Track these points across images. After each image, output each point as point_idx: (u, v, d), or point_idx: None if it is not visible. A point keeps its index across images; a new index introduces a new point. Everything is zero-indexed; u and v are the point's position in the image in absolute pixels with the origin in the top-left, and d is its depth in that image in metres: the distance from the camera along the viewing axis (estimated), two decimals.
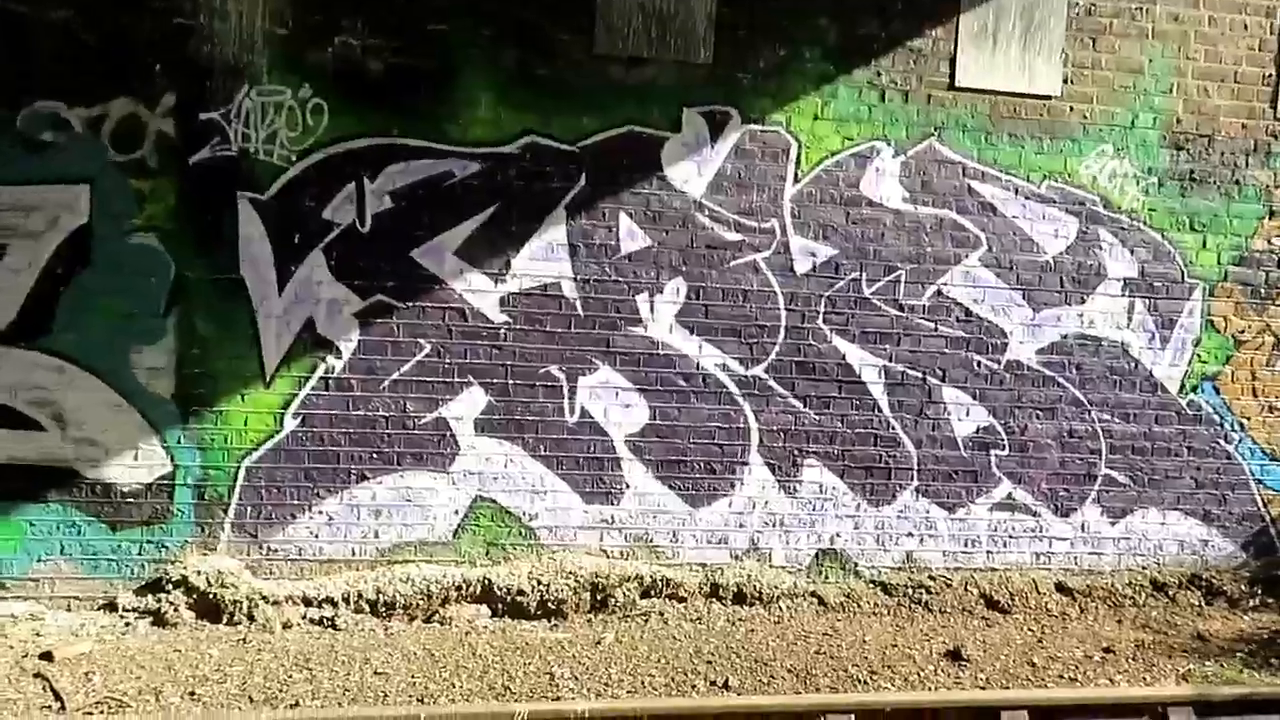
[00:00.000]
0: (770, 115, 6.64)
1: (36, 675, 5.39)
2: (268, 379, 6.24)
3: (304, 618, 6.12)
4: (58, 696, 5.17)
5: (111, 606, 6.11)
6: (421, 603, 6.25)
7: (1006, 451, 6.95)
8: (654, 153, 6.55)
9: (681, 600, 6.46)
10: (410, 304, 6.35)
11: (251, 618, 6.06)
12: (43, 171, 6.00)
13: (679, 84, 6.56)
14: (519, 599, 6.29)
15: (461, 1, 6.28)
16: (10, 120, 5.93)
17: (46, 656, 5.55)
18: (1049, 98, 6.86)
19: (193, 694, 5.28)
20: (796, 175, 6.66)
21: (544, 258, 6.46)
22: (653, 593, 6.44)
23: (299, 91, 6.20)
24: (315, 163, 6.25)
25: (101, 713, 5.05)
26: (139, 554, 6.18)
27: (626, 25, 6.48)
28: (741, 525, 6.72)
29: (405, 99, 6.28)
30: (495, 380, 6.46)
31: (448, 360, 6.42)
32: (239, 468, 6.23)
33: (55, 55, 5.96)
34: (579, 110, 6.45)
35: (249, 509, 6.26)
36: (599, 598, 6.35)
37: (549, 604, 6.30)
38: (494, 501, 6.49)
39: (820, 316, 6.72)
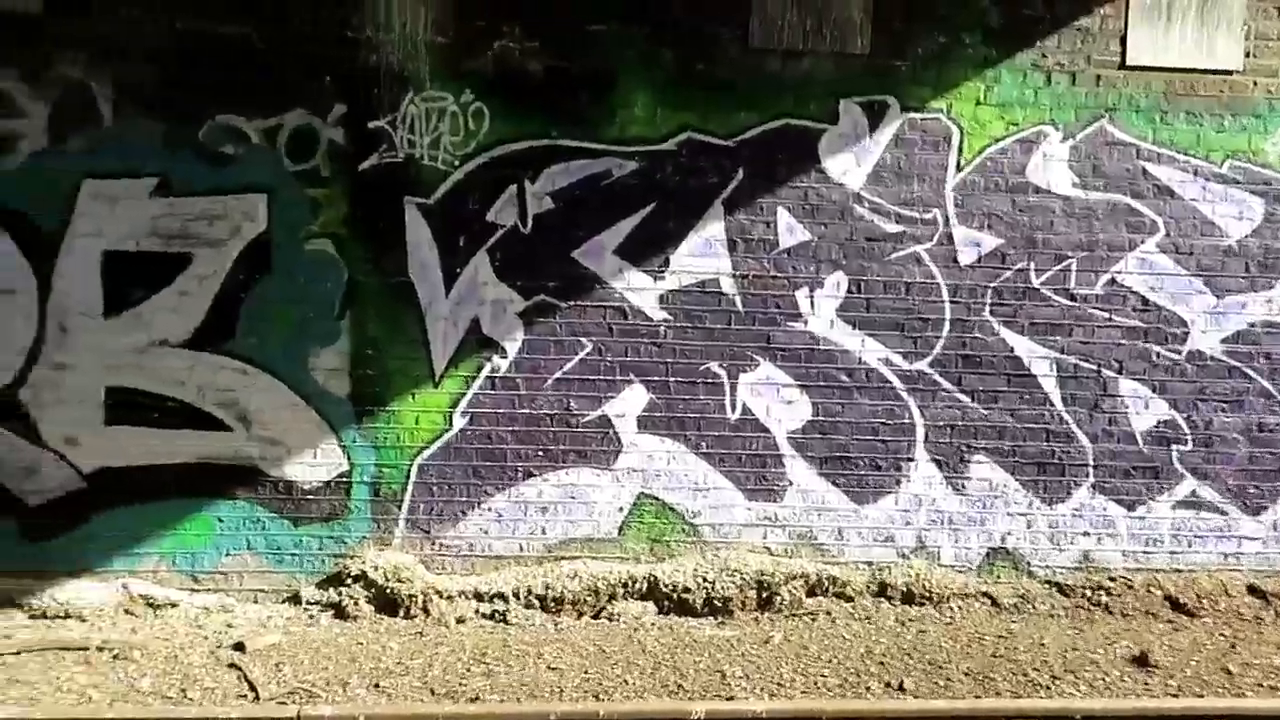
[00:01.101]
0: (930, 103, 6.48)
1: (231, 665, 5.61)
2: (437, 379, 6.38)
3: (476, 612, 6.24)
4: (252, 686, 5.37)
5: (295, 599, 6.32)
6: (589, 599, 6.29)
7: (1189, 446, 6.63)
8: (811, 146, 6.46)
9: (848, 599, 6.35)
10: (572, 303, 6.41)
11: (427, 611, 6.20)
12: (224, 182, 6.24)
13: (836, 75, 6.45)
14: (685, 596, 6.29)
15: (619, 2, 6.27)
16: (194, 134, 6.19)
17: (239, 647, 5.77)
18: (1230, 73, 6.52)
19: (377, 685, 5.42)
20: (959, 163, 6.48)
21: (702, 254, 6.44)
22: (818, 591, 6.35)
23: (461, 97, 6.31)
24: (478, 166, 6.35)
25: (294, 702, 5.18)
26: (319, 549, 6.39)
27: (782, 18, 6.41)
28: (908, 523, 6.57)
29: (563, 101, 6.34)
30: (656, 377, 6.46)
31: (609, 358, 6.45)
32: (411, 465, 6.38)
33: (234, 70, 6.20)
34: (735, 105, 6.41)
35: (421, 505, 6.41)
36: (764, 596, 6.30)
37: (715, 601, 6.28)
38: (657, 498, 6.49)
39: (986, 308, 6.53)
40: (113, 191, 6.16)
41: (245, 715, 4.91)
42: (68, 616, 6.12)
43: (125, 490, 6.31)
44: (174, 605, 6.23)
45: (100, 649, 5.73)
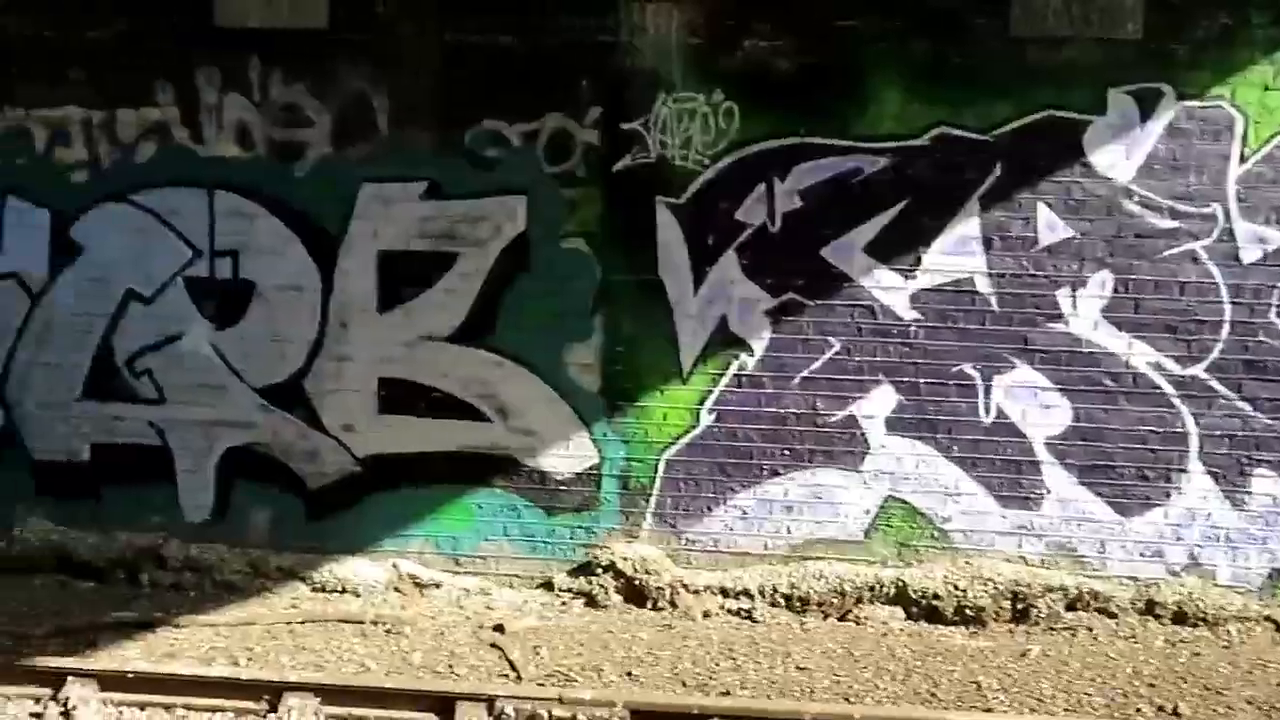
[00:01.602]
0: (1210, 90, 6.06)
1: (492, 645, 5.89)
2: (685, 375, 6.47)
3: (722, 608, 6.30)
4: (513, 666, 5.61)
5: (548, 586, 6.56)
6: (835, 600, 6.25)
7: None
8: (1075, 138, 6.17)
9: (1111, 616, 6.04)
10: (820, 302, 6.36)
11: (673, 604, 6.31)
12: (487, 185, 6.54)
13: (1103, 63, 6.12)
14: (934, 603, 6.15)
15: None
16: (460, 139, 6.50)
17: (498, 629, 6.05)
18: None
19: (630, 674, 5.56)
20: (1243, 154, 6.04)
21: (956, 252, 6.26)
22: (1078, 605, 6.08)
23: (711, 97, 6.37)
24: (727, 165, 6.39)
25: (553, 685, 5.38)
26: (570, 538, 6.61)
27: (1045, 5, 6.15)
28: (1179, 538, 6.18)
29: (813, 97, 6.29)
30: (906, 379, 6.33)
31: (857, 358, 6.36)
32: (659, 460, 6.50)
33: (498, 78, 6.46)
34: (993, 97, 6.19)
35: (669, 500, 6.52)
36: (1019, 607, 6.08)
37: (966, 610, 6.11)
38: (905, 502, 6.37)
39: (1272, 310, 6.05)
40: (388, 195, 6.55)
41: (511, 694, 5.12)
42: (344, 591, 6.56)
43: (395, 475, 6.72)
44: (437, 586, 6.58)
45: (374, 623, 6.13)
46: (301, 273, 6.61)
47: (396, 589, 6.59)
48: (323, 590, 6.56)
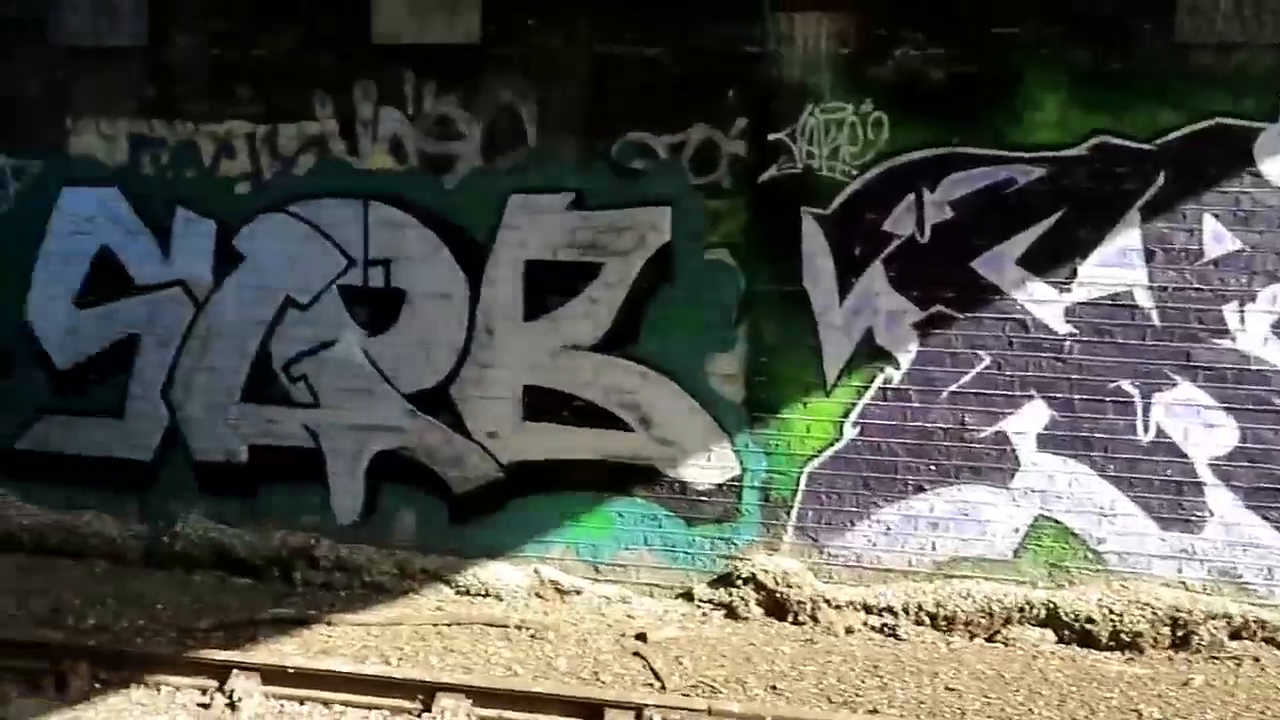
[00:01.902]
0: None
1: (635, 654, 5.91)
2: (828, 388, 6.41)
3: (864, 624, 6.22)
4: (657, 676, 5.63)
5: (687, 596, 6.56)
6: (982, 620, 6.11)
7: None
8: (1245, 146, 5.92)
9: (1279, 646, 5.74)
10: (969, 315, 6.23)
11: (815, 619, 6.25)
12: (632, 195, 6.58)
13: (1275, 69, 5.84)
14: (1088, 627, 5.96)
15: (1031, 1, 6.01)
16: (606, 151, 6.56)
17: (641, 637, 6.08)
18: None
19: (774, 688, 5.53)
20: None
21: (1114, 264, 6.06)
22: (1244, 634, 5.82)
23: (860, 107, 6.30)
24: (875, 176, 6.32)
25: (698, 695, 5.37)
26: (710, 549, 6.60)
27: (1214, 8, 5.91)
28: None
29: (965, 107, 6.18)
30: (1059, 394, 6.15)
31: (1008, 373, 6.21)
32: (801, 473, 6.45)
33: (645, 90, 6.51)
34: (1156, 105, 5.98)
35: (810, 513, 6.46)
36: (1179, 634, 5.85)
37: (1122, 635, 5.91)
38: (1057, 521, 6.19)
39: None
40: (535, 205, 6.65)
41: (659, 703, 5.13)
42: (487, 595, 6.67)
43: (537, 482, 6.81)
44: (578, 592, 6.64)
45: (518, 628, 6.21)
46: (450, 281, 6.75)
47: (538, 594, 6.67)
48: (466, 593, 6.67)
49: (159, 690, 5.42)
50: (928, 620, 6.19)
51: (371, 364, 6.89)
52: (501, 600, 6.61)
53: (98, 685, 5.43)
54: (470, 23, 6.60)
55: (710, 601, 6.50)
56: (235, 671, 5.39)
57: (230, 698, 5.29)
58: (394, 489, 6.96)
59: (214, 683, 5.40)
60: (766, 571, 6.39)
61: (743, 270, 6.46)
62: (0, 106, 7.16)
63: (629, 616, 6.42)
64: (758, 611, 6.37)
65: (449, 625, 6.23)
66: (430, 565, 6.78)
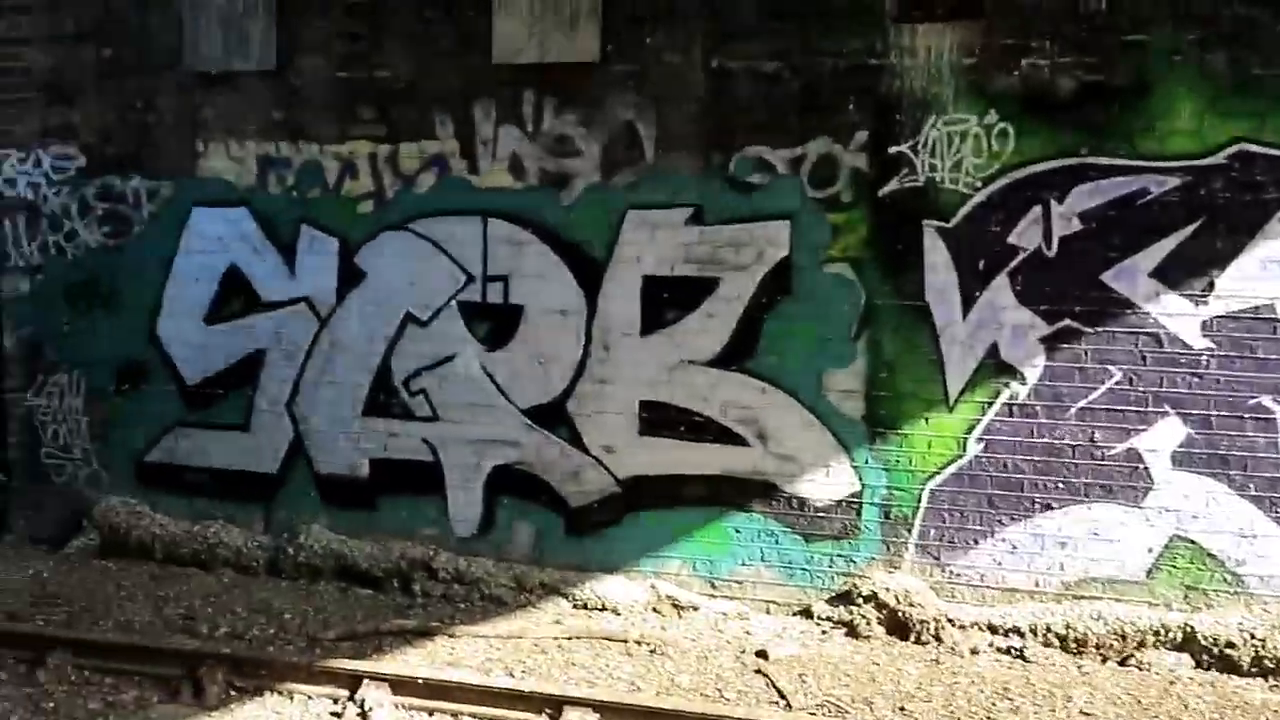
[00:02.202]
0: None
1: (757, 671, 5.86)
2: (951, 403, 6.30)
3: (990, 645, 6.09)
4: (781, 694, 5.57)
5: (806, 613, 6.50)
6: (1115, 643, 5.94)
7: None
8: None
9: None
10: (1099, 329, 6.07)
11: (938, 639, 6.13)
12: (750, 210, 6.57)
13: None
14: (1228, 652, 5.75)
15: (1165, 7, 5.86)
16: (725, 165, 6.56)
17: (762, 654, 6.03)
18: None
19: (902, 709, 5.44)
20: None
21: (1256, 277, 5.87)
22: None
23: (984, 118, 6.20)
24: (1000, 188, 6.21)
25: (825, 715, 5.30)
26: (829, 566, 6.52)
27: None
28: None
29: (1095, 116, 6.04)
30: (1195, 410, 5.96)
31: (1140, 388, 6.04)
32: (923, 490, 6.35)
33: (763, 104, 6.50)
34: None
35: (932, 531, 6.35)
36: None
37: (1266, 661, 5.70)
38: (1193, 542, 5.99)
39: None
40: (653, 221, 6.67)
41: None
42: (604, 609, 6.69)
43: (653, 497, 6.81)
44: (695, 608, 6.62)
45: (638, 643, 6.20)
46: (568, 297, 6.80)
47: (655, 609, 6.67)
48: (584, 607, 6.69)
49: (291, 698, 5.53)
50: (1057, 642, 6.04)
51: (490, 379, 6.97)
52: (619, 615, 6.61)
53: (233, 692, 5.57)
54: (589, 41, 6.65)
55: (830, 619, 6.42)
56: (366, 681, 5.48)
57: (361, 707, 5.37)
58: (511, 502, 7.03)
59: (344, 692, 5.48)
60: (888, 590, 6.29)
61: (862, 284, 6.40)
62: (136, 132, 7.41)
63: (747, 633, 6.37)
64: (879, 630, 6.27)
65: (569, 639, 6.24)
66: (548, 579, 6.82)
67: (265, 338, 7.33)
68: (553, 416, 6.91)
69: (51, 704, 5.36)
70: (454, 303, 7.00)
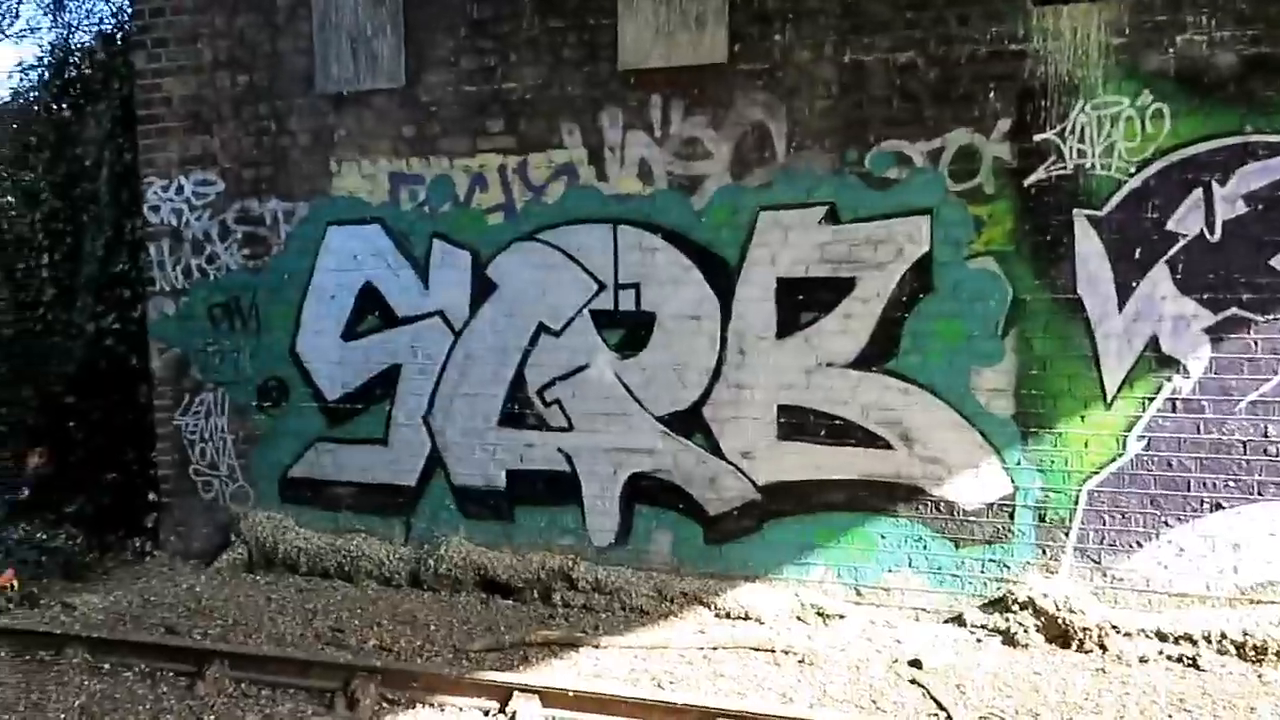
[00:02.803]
0: None
1: (911, 682, 5.65)
2: (1108, 400, 6.01)
3: (1160, 653, 5.78)
4: (941, 706, 5.36)
5: (958, 621, 6.26)
6: None
7: None
8: None
9: None
10: (1271, 317, 5.73)
11: (1103, 647, 5.85)
12: (888, 206, 6.37)
13: None
14: None
15: None
16: (859, 161, 6.38)
17: (915, 664, 5.82)
18: None
19: None
20: None
21: None
22: None
23: (1137, 100, 5.91)
24: (1155, 172, 5.92)
25: None
26: (981, 571, 6.28)
27: None
28: None
29: (1260, 91, 5.70)
30: None
31: None
32: (1080, 491, 6.07)
33: (900, 96, 6.29)
34: None
35: (1091, 534, 6.07)
36: None
37: None
38: None
39: None
40: (785, 221, 6.53)
41: None
42: (747, 618, 6.55)
43: (794, 503, 6.66)
44: (841, 616, 6.44)
45: (785, 652, 6.04)
46: (700, 302, 6.71)
47: (799, 618, 6.51)
48: (726, 616, 6.58)
49: (442, 710, 5.53)
50: (1233, 650, 5.70)
51: (624, 387, 6.90)
52: (763, 624, 6.47)
53: (385, 704, 5.59)
54: (716, 42, 6.56)
55: (984, 627, 6.18)
56: (516, 693, 5.44)
57: (512, 719, 5.31)
58: (649, 511, 6.96)
59: (495, 704, 5.47)
60: (1046, 596, 6.03)
61: (1009, 278, 6.16)
62: (272, 155, 7.57)
63: (897, 641, 6.17)
64: (1038, 638, 6.02)
65: (714, 649, 6.12)
66: (688, 588, 6.72)
67: (401, 352, 7.40)
68: (689, 423, 6.82)
69: (212, 716, 5.46)
70: (586, 311, 6.96)
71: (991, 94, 6.17)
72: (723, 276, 6.69)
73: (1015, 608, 6.14)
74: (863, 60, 6.36)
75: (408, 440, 7.43)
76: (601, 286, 6.91)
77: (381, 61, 7.27)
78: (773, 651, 6.09)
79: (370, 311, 7.45)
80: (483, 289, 7.17)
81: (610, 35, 6.79)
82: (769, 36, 6.49)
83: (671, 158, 6.73)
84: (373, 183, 7.36)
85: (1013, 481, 6.23)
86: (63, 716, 5.42)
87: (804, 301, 6.54)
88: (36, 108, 12.18)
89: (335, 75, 7.39)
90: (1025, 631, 6.06)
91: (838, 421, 6.52)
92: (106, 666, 6.04)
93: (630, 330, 6.89)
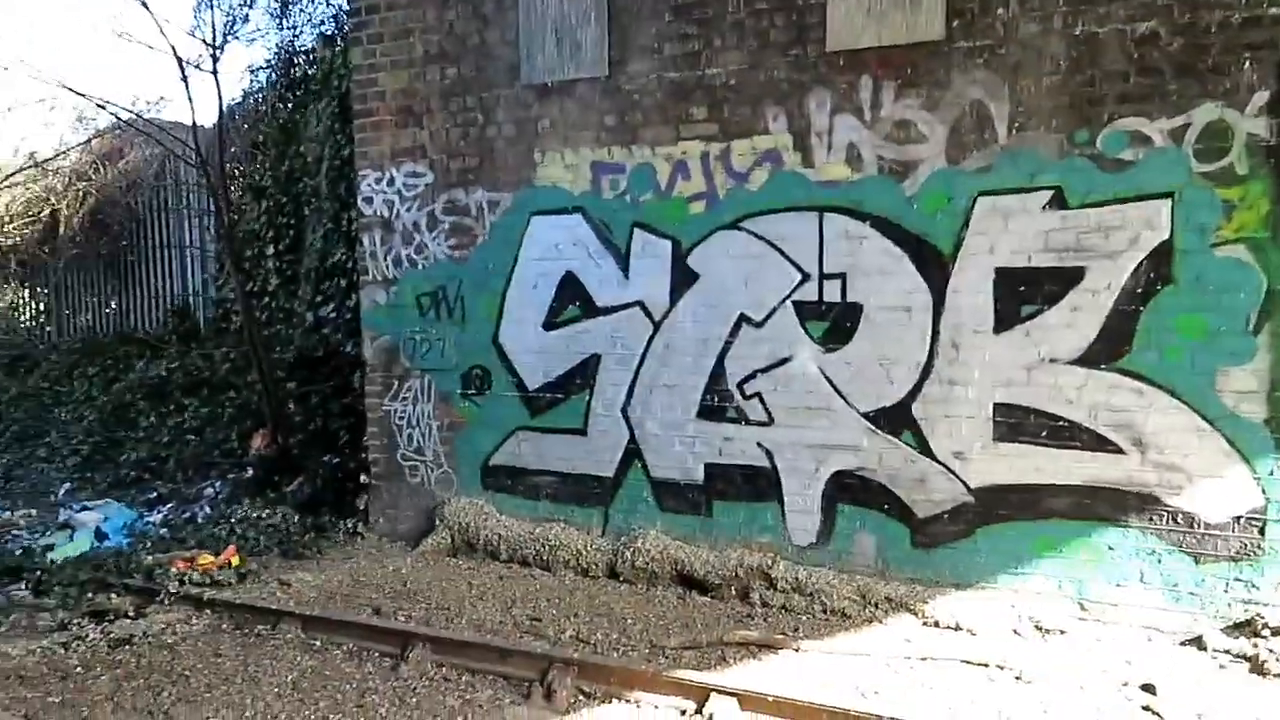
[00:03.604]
0: None
1: (1144, 709, 5.18)
2: None
3: None
4: None
5: (1197, 644, 5.73)
6: None
7: None
8: None
9: None
10: None
11: None
12: (1122, 190, 5.87)
13: None
14: None
15: None
16: (1091, 142, 5.89)
17: (1148, 689, 5.33)
18: None
19: None
20: None
21: None
22: None
23: None
24: None
25: None
26: (1225, 591, 5.71)
27: None
28: None
29: None
30: None
31: None
32: None
33: (1136, 71, 5.79)
34: None
35: None
36: None
37: None
38: None
39: None
40: (1006, 207, 6.11)
41: None
42: (957, 629, 6.19)
43: (1011, 507, 6.25)
44: (1062, 632, 6.00)
45: (1000, 667, 5.64)
46: (911, 293, 6.37)
47: (1015, 631, 6.08)
48: (934, 625, 6.23)
49: (638, 706, 5.44)
50: None
51: (827, 381, 6.64)
52: (974, 636, 6.10)
53: (581, 697, 5.53)
54: (932, 19, 6.20)
55: (1227, 652, 5.61)
56: (714, 695, 5.28)
57: None
58: (851, 510, 6.67)
59: (692, 704, 5.34)
60: None
61: (1263, 268, 5.56)
62: (478, 146, 7.66)
63: (1126, 662, 5.68)
64: None
65: (922, 659, 5.78)
66: (893, 593, 6.41)
67: (601, 342, 7.36)
68: (896, 420, 6.50)
69: (415, 699, 5.54)
70: (789, 302, 6.74)
71: (1246, 64, 5.58)
72: (935, 266, 6.32)
73: (1265, 633, 5.56)
74: (1096, 32, 5.86)
75: (606, 431, 7.39)
76: (806, 276, 6.67)
77: (585, 51, 7.24)
78: (987, 666, 5.70)
79: (571, 301, 7.44)
80: (683, 279, 7.04)
81: (819, 16, 6.52)
82: (990, 11, 6.08)
83: (882, 141, 6.40)
84: (575, 172, 7.34)
85: (1264, 493, 5.63)
86: (276, 690, 5.61)
87: (1025, 293, 6.10)
88: (263, 107, 12.90)
89: (540, 66, 7.41)
90: (1277, 660, 5.44)
91: (1061, 422, 6.06)
92: (318, 643, 6.23)
93: (835, 322, 6.62)
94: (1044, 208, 6.04)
